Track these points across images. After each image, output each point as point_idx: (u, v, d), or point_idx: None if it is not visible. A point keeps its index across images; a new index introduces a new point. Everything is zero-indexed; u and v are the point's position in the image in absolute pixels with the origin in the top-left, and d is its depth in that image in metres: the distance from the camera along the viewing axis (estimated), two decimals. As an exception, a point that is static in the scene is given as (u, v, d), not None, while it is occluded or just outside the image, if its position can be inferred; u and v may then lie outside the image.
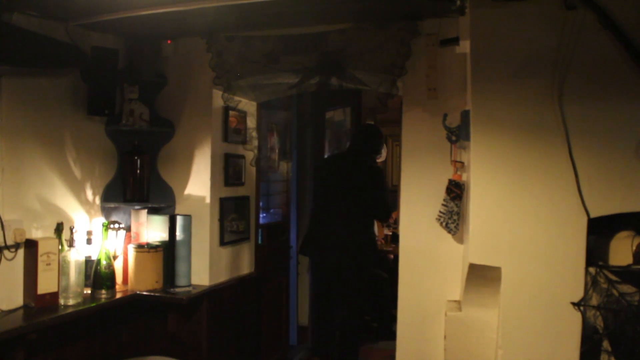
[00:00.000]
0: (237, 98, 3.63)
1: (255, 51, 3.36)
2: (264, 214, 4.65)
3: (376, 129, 4.73)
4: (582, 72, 2.36)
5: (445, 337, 2.83)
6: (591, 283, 2.36)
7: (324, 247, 4.33)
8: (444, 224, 3.01)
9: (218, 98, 3.56)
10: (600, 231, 2.43)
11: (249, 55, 3.38)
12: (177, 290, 3.46)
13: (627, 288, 2.34)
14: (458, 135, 3.00)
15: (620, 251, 2.36)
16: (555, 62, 2.38)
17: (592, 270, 2.37)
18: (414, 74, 3.13)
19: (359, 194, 4.30)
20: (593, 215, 2.33)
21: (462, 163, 2.98)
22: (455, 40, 2.91)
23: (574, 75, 2.36)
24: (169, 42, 3.62)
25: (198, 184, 3.62)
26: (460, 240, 3.05)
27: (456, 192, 2.91)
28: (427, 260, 3.17)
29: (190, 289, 3.50)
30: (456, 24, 2.94)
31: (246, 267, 4.06)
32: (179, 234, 3.53)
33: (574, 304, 2.35)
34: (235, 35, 3.41)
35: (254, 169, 4.11)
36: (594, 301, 2.36)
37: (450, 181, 2.98)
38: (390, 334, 4.32)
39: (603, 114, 2.33)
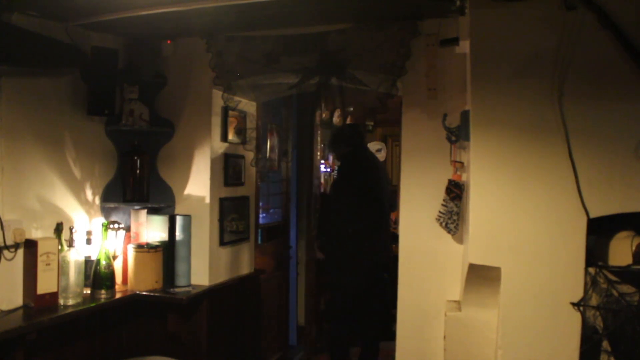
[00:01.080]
0: (237, 98, 3.64)
1: (255, 51, 3.37)
2: (264, 214, 4.65)
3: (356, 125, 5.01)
4: (582, 73, 2.35)
5: (444, 337, 2.83)
6: (591, 283, 2.36)
7: (354, 256, 4.33)
8: (443, 224, 3.01)
9: (218, 98, 3.56)
10: (600, 231, 2.43)
11: (249, 55, 3.38)
12: (177, 290, 3.46)
13: (626, 288, 2.34)
14: (458, 135, 3.00)
15: (620, 251, 2.36)
16: (555, 63, 2.38)
17: (591, 270, 2.37)
18: (414, 74, 3.13)
19: (380, 193, 4.38)
20: (593, 215, 2.33)
21: (462, 163, 2.98)
22: (455, 41, 2.91)
23: (574, 75, 2.36)
24: (168, 42, 3.62)
25: (198, 184, 3.62)
26: (460, 240, 3.05)
27: (456, 192, 2.90)
28: (426, 261, 3.17)
29: (189, 289, 3.50)
30: (456, 24, 2.94)
31: (246, 267, 4.06)
32: (178, 234, 3.53)
33: (573, 304, 2.35)
34: (235, 35, 3.41)
35: (253, 169, 4.11)
36: (594, 301, 2.36)
37: (450, 181, 2.98)
38: (390, 334, 4.32)
39: (603, 114, 2.33)
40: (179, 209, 3.66)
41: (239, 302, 3.91)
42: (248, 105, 3.93)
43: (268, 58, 3.35)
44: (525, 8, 2.42)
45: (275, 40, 3.33)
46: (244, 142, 3.92)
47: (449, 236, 3.06)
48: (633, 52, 2.26)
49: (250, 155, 3.89)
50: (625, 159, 2.29)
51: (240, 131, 3.88)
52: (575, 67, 2.36)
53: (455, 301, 3.04)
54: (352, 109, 6.25)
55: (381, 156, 6.64)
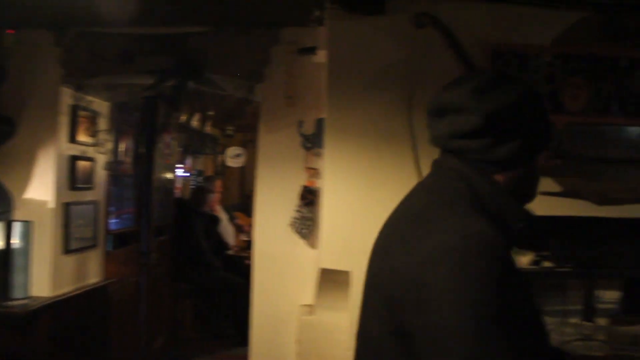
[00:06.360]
0: (89, 98, 3.43)
1: (109, 49, 3.22)
2: (116, 220, 4.43)
3: None
4: (430, 86, 2.49)
5: (298, 341, 2.86)
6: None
7: None
8: (297, 229, 3.04)
9: (66, 96, 3.35)
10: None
11: (102, 53, 3.23)
12: (13, 303, 3.18)
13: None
14: (313, 142, 3.06)
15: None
16: (406, 76, 2.51)
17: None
18: (273, 80, 3.15)
19: None
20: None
21: (316, 170, 3.04)
22: (312, 50, 2.97)
23: (423, 88, 2.50)
24: (11, 32, 3.35)
25: (41, 187, 3.37)
26: (314, 245, 3.10)
27: (310, 198, 2.95)
28: (281, 265, 3.18)
29: (27, 301, 3.23)
30: (316, 34, 3.00)
31: (93, 275, 3.84)
32: (16, 242, 3.25)
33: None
34: (87, 31, 3.23)
35: (104, 173, 3.91)
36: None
37: (304, 187, 3.03)
38: (246, 340, 4.30)
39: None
40: (18, 214, 3.37)
41: (86, 313, 3.67)
42: (100, 105, 3.74)
43: (122, 57, 3.22)
44: (379, 22, 2.54)
45: (131, 39, 3.20)
46: (94, 144, 3.71)
47: (303, 241, 3.10)
48: (470, 68, 2.45)
49: (101, 158, 3.69)
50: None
51: (91, 132, 3.67)
52: (423, 80, 2.50)
53: (309, 305, 3.08)
54: (212, 113, 6.19)
55: (241, 161, 6.60)
